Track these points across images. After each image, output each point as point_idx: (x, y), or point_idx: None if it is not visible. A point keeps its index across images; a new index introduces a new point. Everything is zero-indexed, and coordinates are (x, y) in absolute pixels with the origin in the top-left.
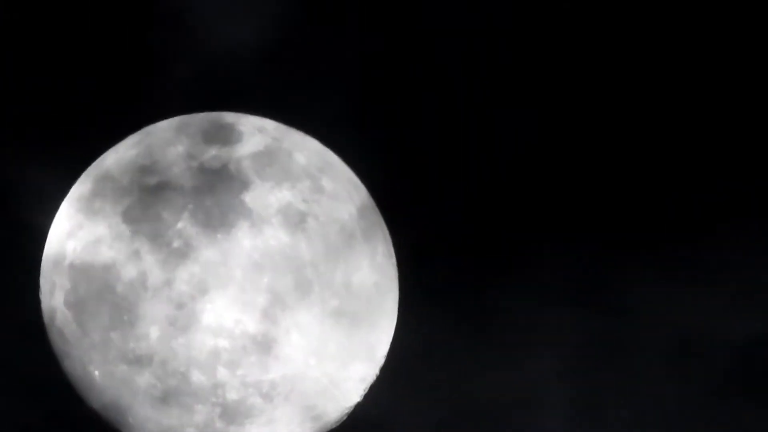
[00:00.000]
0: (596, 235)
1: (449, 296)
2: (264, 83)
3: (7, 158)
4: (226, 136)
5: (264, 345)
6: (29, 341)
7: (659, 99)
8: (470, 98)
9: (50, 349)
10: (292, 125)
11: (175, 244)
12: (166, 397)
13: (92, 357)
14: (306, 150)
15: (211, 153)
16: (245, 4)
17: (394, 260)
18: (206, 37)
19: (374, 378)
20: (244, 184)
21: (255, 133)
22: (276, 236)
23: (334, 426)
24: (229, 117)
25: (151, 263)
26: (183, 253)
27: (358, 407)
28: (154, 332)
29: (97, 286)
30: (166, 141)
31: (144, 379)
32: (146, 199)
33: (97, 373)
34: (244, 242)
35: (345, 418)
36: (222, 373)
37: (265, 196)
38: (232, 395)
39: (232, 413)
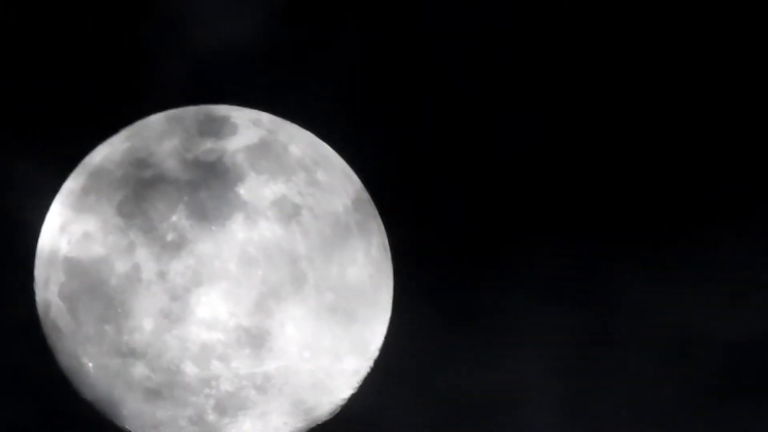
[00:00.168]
0: (590, 234)
1: (444, 294)
2: (260, 79)
3: (0, 154)
4: (220, 129)
5: (258, 338)
6: (23, 335)
7: (658, 99)
8: (470, 98)
9: (44, 343)
10: (288, 120)
11: (170, 236)
12: (159, 390)
13: (86, 349)
14: (301, 142)
15: (206, 146)
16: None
17: (389, 253)
18: (202, 31)
19: (368, 371)
20: (239, 177)
21: (250, 125)
22: (271, 229)
23: (327, 418)
24: (223, 110)
25: (145, 256)
26: (177, 246)
27: (351, 401)
28: (148, 324)
29: (91, 279)
30: (160, 133)
31: (138, 371)
32: (141, 191)
33: (91, 365)
34: (239, 235)
35: (338, 410)
36: (216, 365)
37: (260, 189)
38: (226, 387)
39: (225, 405)
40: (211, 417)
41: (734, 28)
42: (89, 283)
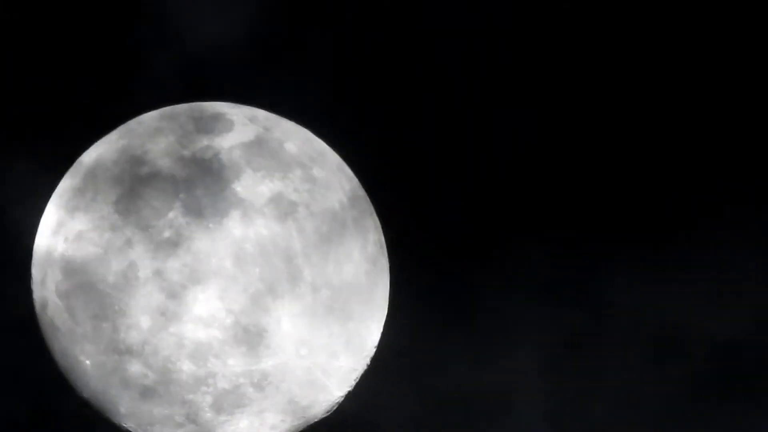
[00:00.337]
0: (586, 235)
1: (440, 292)
2: (256, 76)
3: None
4: (216, 126)
5: (255, 335)
6: (20, 333)
7: (657, 99)
8: (469, 97)
9: (41, 341)
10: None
11: (166, 234)
12: (156, 387)
13: (83, 347)
14: (297, 139)
15: (202, 143)
16: None
17: (385, 250)
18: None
19: (364, 369)
20: (235, 174)
21: (246, 122)
22: (267, 226)
23: (323, 416)
24: (219, 107)
25: (141, 253)
26: (174, 243)
27: (348, 398)
28: (144, 322)
29: (88, 277)
30: (155, 131)
31: (134, 368)
32: (136, 189)
33: (88, 362)
34: (235, 232)
35: (334, 408)
36: (212, 362)
37: (256, 186)
38: (223, 384)
39: (222, 403)
40: (208, 414)
41: (734, 29)
42: (86, 281)
